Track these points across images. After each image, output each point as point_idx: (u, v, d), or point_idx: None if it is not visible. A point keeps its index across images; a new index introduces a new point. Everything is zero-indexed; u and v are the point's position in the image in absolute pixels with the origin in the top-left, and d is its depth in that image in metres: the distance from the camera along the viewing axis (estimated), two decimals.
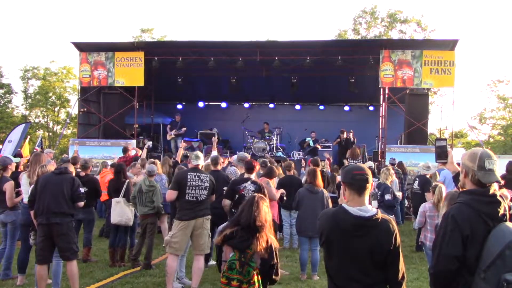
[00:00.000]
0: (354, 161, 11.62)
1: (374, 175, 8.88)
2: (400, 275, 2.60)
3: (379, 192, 7.24)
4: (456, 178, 2.97)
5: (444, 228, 2.50)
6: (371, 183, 2.74)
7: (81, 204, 5.42)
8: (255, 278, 3.06)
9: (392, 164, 11.30)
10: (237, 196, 5.89)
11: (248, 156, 8.30)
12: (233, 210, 5.78)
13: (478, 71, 57.33)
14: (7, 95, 32.49)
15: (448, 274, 2.45)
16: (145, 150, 10.76)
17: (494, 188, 2.54)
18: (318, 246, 6.60)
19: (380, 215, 2.63)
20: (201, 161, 5.93)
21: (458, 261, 2.43)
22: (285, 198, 7.11)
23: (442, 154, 3.06)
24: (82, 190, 5.40)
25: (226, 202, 6.02)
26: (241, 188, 5.94)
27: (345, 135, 14.69)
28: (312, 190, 6.60)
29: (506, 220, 2.48)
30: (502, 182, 3.32)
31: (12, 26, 57.79)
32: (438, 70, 13.25)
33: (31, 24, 59.11)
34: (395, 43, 15.25)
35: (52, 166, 5.73)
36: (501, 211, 2.47)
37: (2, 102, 32.25)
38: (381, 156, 13.79)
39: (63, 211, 5.11)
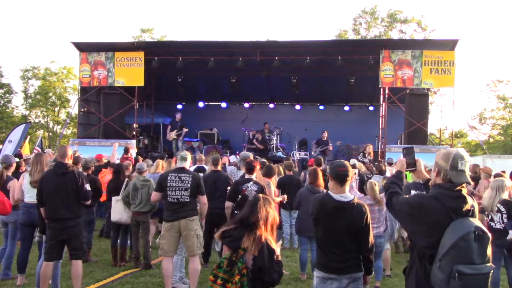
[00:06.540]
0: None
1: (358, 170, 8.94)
2: (369, 245, 3.43)
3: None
4: (426, 185, 3.00)
5: (404, 210, 2.77)
6: (351, 176, 3.57)
7: (88, 202, 5.44)
8: (237, 278, 2.96)
9: (390, 164, 11.28)
10: (239, 196, 5.87)
11: (251, 156, 8.27)
12: (235, 211, 5.74)
13: (478, 71, 57.38)
14: (7, 95, 32.48)
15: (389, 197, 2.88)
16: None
17: (462, 185, 2.63)
18: None
19: (356, 200, 3.46)
20: (187, 163, 5.71)
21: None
22: (286, 200, 7.13)
23: (410, 163, 3.07)
24: (88, 186, 5.30)
25: (228, 204, 5.98)
26: (244, 188, 5.93)
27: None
28: (313, 191, 6.56)
29: (471, 216, 2.57)
30: (472, 183, 3.39)
31: (12, 26, 57.84)
32: (438, 70, 13.26)
33: (31, 24, 59.20)
34: (395, 43, 15.26)
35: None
36: (466, 207, 2.57)
37: (2, 102, 32.23)
38: (381, 156, 13.79)
39: (75, 216, 5.15)
